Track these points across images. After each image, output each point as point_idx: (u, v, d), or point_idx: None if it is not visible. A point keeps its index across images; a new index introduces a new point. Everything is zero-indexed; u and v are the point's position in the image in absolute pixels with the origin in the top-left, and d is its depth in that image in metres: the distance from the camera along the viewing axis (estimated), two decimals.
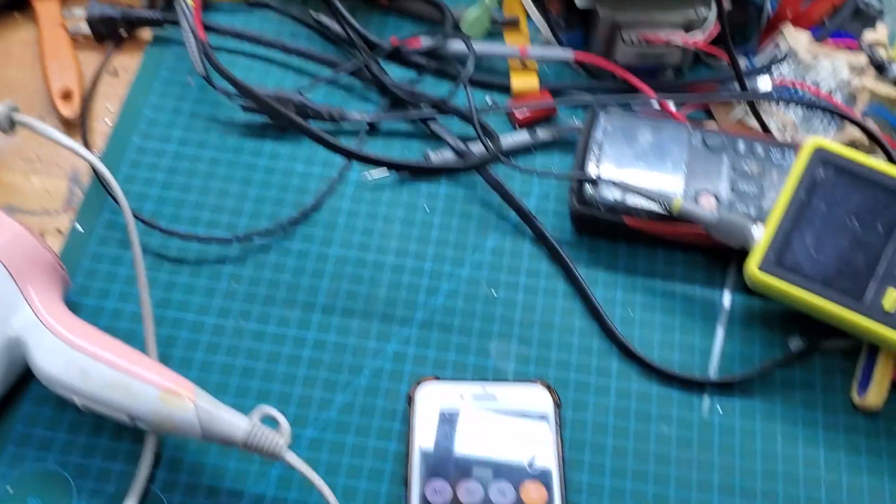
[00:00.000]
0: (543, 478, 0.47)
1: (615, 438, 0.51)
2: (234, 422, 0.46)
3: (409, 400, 0.50)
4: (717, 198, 0.55)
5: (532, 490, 0.47)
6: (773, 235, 0.52)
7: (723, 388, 0.53)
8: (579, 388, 0.53)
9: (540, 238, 0.58)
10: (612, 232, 0.58)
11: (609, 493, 0.49)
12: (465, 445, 0.48)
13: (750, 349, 0.55)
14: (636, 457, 0.51)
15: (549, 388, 0.51)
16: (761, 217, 0.54)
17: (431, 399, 0.50)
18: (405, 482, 0.47)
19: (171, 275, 0.55)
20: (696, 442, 0.51)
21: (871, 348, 0.53)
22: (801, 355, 0.54)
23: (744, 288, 0.56)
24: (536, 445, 0.49)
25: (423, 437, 0.49)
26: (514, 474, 0.48)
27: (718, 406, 0.53)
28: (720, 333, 0.55)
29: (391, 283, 0.56)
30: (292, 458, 0.46)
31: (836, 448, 0.51)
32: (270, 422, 0.47)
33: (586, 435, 0.51)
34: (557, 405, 0.50)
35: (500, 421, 0.49)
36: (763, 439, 0.51)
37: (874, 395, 0.52)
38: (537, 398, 0.50)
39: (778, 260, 0.52)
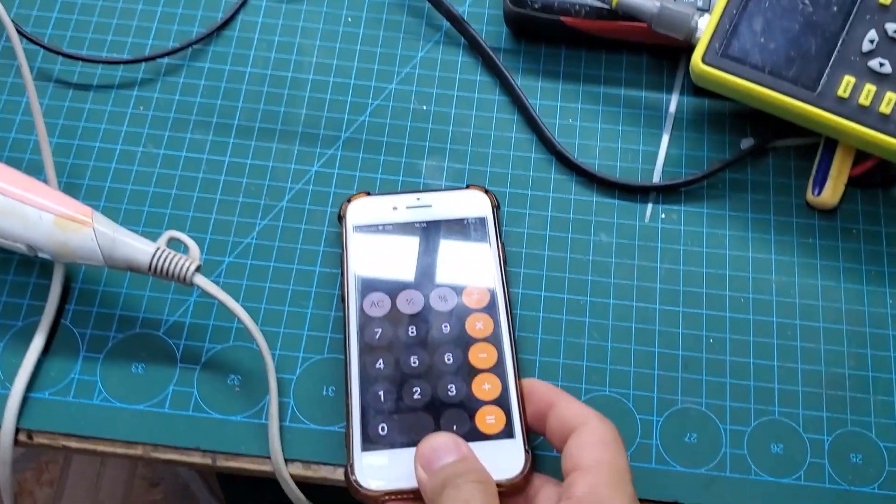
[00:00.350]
0: (485, 280, 0.45)
1: (552, 250, 0.48)
2: (137, 246, 0.43)
3: (340, 218, 0.47)
4: None
5: (474, 293, 0.44)
6: (718, 23, 0.47)
7: (667, 191, 0.50)
8: (515, 201, 0.50)
9: (473, 46, 0.53)
10: (550, 35, 0.53)
11: (545, 304, 0.47)
12: (402, 257, 0.46)
13: (698, 153, 0.51)
14: (574, 267, 0.48)
15: (486, 191, 0.47)
16: (707, 6, 0.50)
17: (363, 214, 0.47)
18: (343, 299, 0.44)
19: (75, 102, 0.52)
20: (638, 249, 0.48)
21: (828, 143, 0.49)
22: (753, 154, 0.50)
23: (693, 90, 0.53)
24: (476, 250, 0.46)
25: (357, 253, 0.46)
26: (455, 279, 0.45)
27: (662, 212, 0.49)
28: (665, 138, 0.51)
29: (312, 101, 0.52)
30: (202, 282, 0.43)
31: (789, 250, 0.48)
32: (181, 247, 0.44)
33: (521, 248, 0.48)
34: (496, 207, 0.47)
35: (438, 228, 0.46)
36: (710, 244, 0.49)
37: (830, 192, 0.49)
38: (475, 202, 0.47)
39: (724, 50, 0.47)
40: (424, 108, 0.52)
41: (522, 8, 0.51)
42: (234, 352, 0.46)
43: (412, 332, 0.44)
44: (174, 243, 0.45)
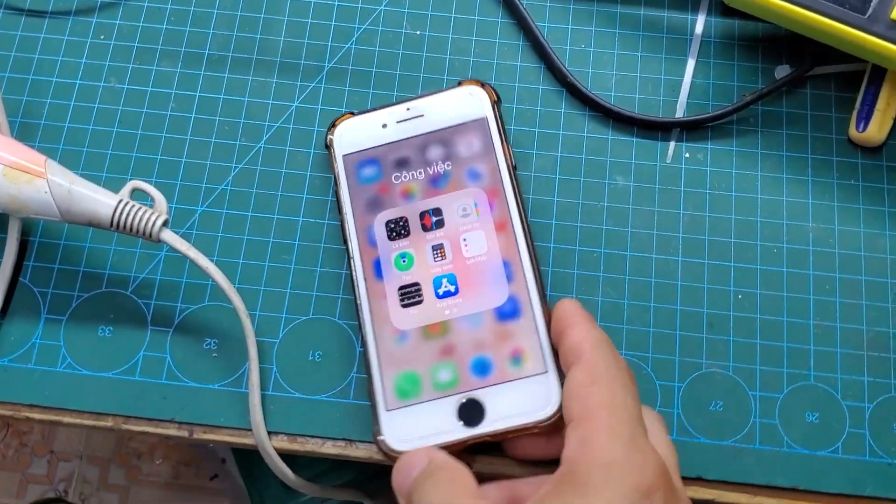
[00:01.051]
0: (496, 190, 0.41)
1: (562, 195, 0.43)
2: (97, 198, 0.38)
3: (327, 146, 0.42)
4: None
5: (483, 208, 0.41)
6: None
7: (691, 127, 0.44)
8: (521, 140, 0.44)
9: None
10: None
11: (555, 257, 0.42)
12: (401, 180, 0.41)
13: (727, 83, 0.45)
14: (587, 215, 0.43)
15: (482, 84, 0.42)
16: None
17: (351, 137, 0.42)
18: (344, 240, 0.40)
19: (28, 31, 0.46)
20: (658, 194, 0.43)
21: (875, 71, 0.44)
22: (789, 84, 0.45)
23: (721, 9, 0.47)
24: (481, 157, 0.41)
25: (352, 186, 0.41)
26: (461, 200, 0.41)
27: (685, 151, 0.44)
28: (690, 65, 0.46)
29: (292, 27, 0.46)
30: (170, 238, 0.39)
31: (829, 193, 0.43)
32: (147, 199, 0.39)
33: (528, 194, 0.43)
34: (496, 102, 0.42)
35: (435, 141, 0.42)
36: (740, 187, 0.43)
37: (877, 127, 0.43)
38: (472, 101, 0.42)
39: None
40: (418, 33, 0.46)
41: None
42: (211, 312, 0.41)
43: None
44: (139, 194, 0.40)
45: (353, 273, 0.40)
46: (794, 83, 0.45)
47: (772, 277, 0.42)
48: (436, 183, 0.41)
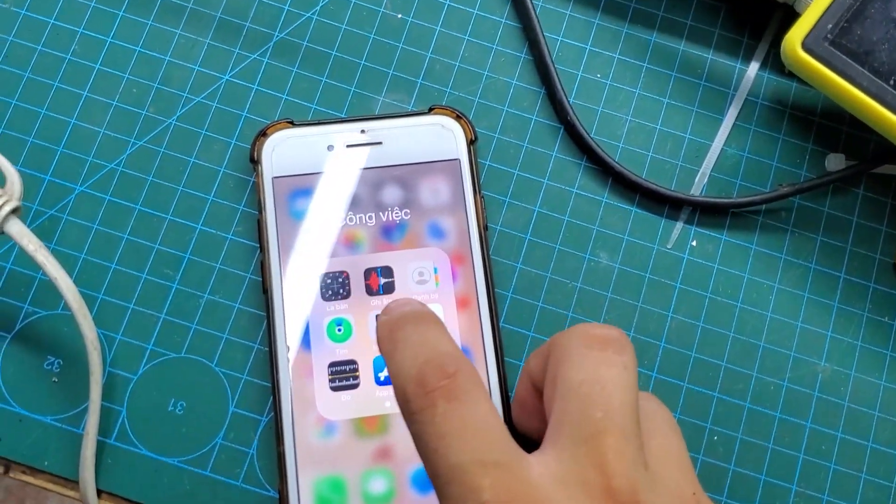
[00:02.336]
0: (460, 259, 0.33)
1: (528, 264, 0.34)
2: None
3: (254, 161, 0.33)
4: None
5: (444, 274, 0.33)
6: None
7: (708, 210, 0.35)
8: (493, 180, 0.35)
9: None
10: None
11: (507, 339, 0.34)
12: (345, 223, 0.33)
13: (764, 160, 0.36)
14: (553, 294, 0.34)
15: (458, 116, 0.34)
16: None
17: (287, 156, 0.33)
18: (264, 289, 0.32)
19: None
20: (647, 286, 0.35)
21: None
22: (840, 180, 0.36)
23: (779, 65, 0.37)
24: (446, 210, 0.33)
25: (282, 218, 0.32)
26: (415, 259, 0.33)
27: (693, 237, 0.35)
28: (725, 128, 0.36)
29: None
30: (17, 231, 0.30)
31: (854, 328, 0.35)
32: None
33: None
34: (471, 142, 0.34)
35: (392, 178, 0.33)
36: (749, 296, 0.35)
37: None
38: (443, 135, 0.34)
39: (837, 37, 0.32)
40: (399, 16, 0.37)
41: None
42: (62, 324, 0.33)
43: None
44: None
45: (272, 334, 0.31)
46: (846, 180, 0.36)
47: (759, 422, 0.33)
48: (388, 234, 0.33)
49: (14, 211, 0.30)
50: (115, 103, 0.35)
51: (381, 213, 0.33)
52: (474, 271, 0.33)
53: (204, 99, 0.35)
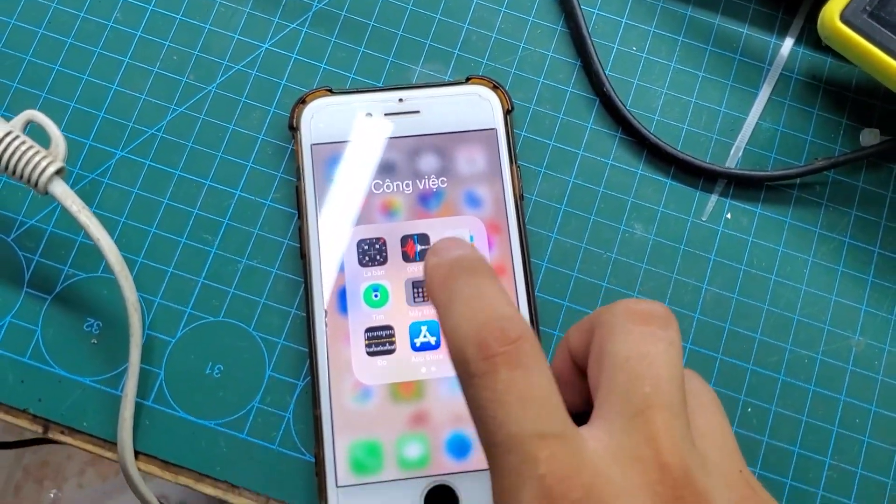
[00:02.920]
0: (496, 228, 0.33)
1: (563, 234, 0.35)
2: None
3: (292, 128, 0.33)
4: None
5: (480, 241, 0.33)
6: None
7: (743, 183, 0.35)
8: (528, 151, 0.35)
9: None
10: None
11: (541, 308, 0.34)
12: (383, 190, 0.33)
13: (799, 135, 0.36)
14: (587, 264, 0.34)
15: (495, 86, 0.34)
16: None
17: (325, 122, 0.33)
18: (302, 254, 0.32)
19: None
20: (682, 257, 0.35)
21: None
22: (874, 156, 0.36)
23: (814, 41, 0.37)
24: (482, 178, 0.33)
25: (320, 185, 0.33)
26: (452, 224, 0.33)
27: (728, 210, 0.35)
28: (760, 102, 0.36)
29: None
30: (61, 192, 0.30)
31: (889, 303, 0.35)
32: (41, 136, 0.31)
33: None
34: (508, 112, 0.34)
35: (429, 146, 0.34)
36: (783, 269, 0.35)
37: None
38: (480, 105, 0.34)
39: (876, 8, 0.32)
40: None
41: None
42: (101, 286, 0.33)
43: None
44: (36, 130, 0.32)
45: (310, 299, 0.32)
46: (881, 155, 0.36)
47: (793, 394, 0.33)
48: (426, 202, 0.33)
49: (58, 172, 0.31)
50: (155, 70, 0.35)
51: (417, 181, 0.33)
52: (510, 240, 0.33)
53: (243, 67, 0.35)
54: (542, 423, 0.21)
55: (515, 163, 0.34)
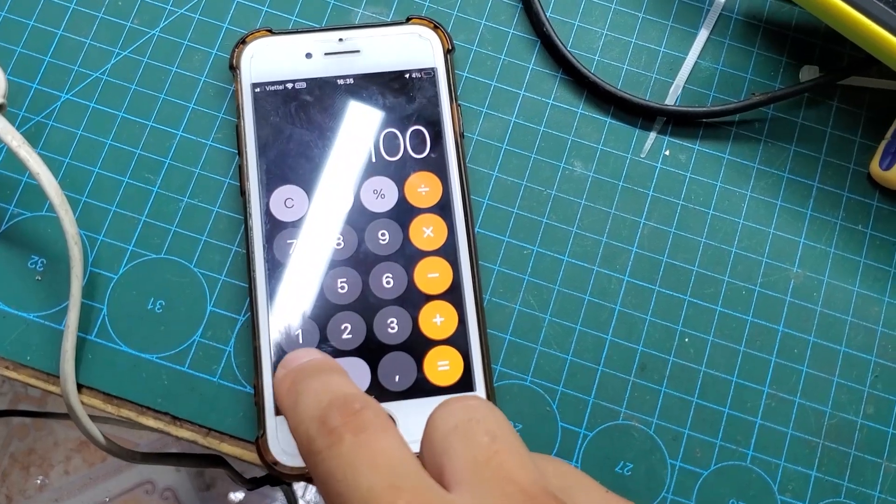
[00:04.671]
0: (435, 165, 0.33)
1: (504, 171, 0.35)
2: None
3: (233, 67, 0.34)
4: None
5: (420, 184, 0.33)
6: None
7: (681, 120, 0.36)
8: (470, 92, 0.36)
9: None
10: None
11: (480, 244, 0.34)
12: (321, 131, 0.33)
13: (737, 73, 0.37)
14: (528, 201, 0.35)
15: (435, 26, 0.35)
16: None
17: (266, 64, 0.34)
18: (242, 192, 0.32)
19: None
20: (620, 193, 0.35)
21: None
22: (813, 90, 0.36)
23: None
24: (423, 117, 0.34)
25: (260, 124, 0.33)
26: (393, 165, 0.33)
27: (666, 147, 0.36)
28: (699, 41, 0.37)
29: None
30: (1, 126, 0.31)
31: (827, 235, 0.35)
32: None
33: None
34: (449, 51, 0.34)
35: (369, 86, 0.34)
36: (721, 205, 0.35)
37: None
38: (420, 45, 0.34)
39: None
40: None
41: None
42: (46, 224, 0.34)
43: (339, 244, 0.32)
44: None
45: (249, 236, 0.32)
46: (820, 90, 0.36)
47: (731, 324, 0.34)
48: (358, 147, 0.33)
49: None
50: (100, 15, 0.36)
51: (355, 124, 0.33)
52: (450, 177, 0.33)
53: (187, 11, 0.36)
54: (397, 478, 0.20)
55: (456, 102, 0.34)
